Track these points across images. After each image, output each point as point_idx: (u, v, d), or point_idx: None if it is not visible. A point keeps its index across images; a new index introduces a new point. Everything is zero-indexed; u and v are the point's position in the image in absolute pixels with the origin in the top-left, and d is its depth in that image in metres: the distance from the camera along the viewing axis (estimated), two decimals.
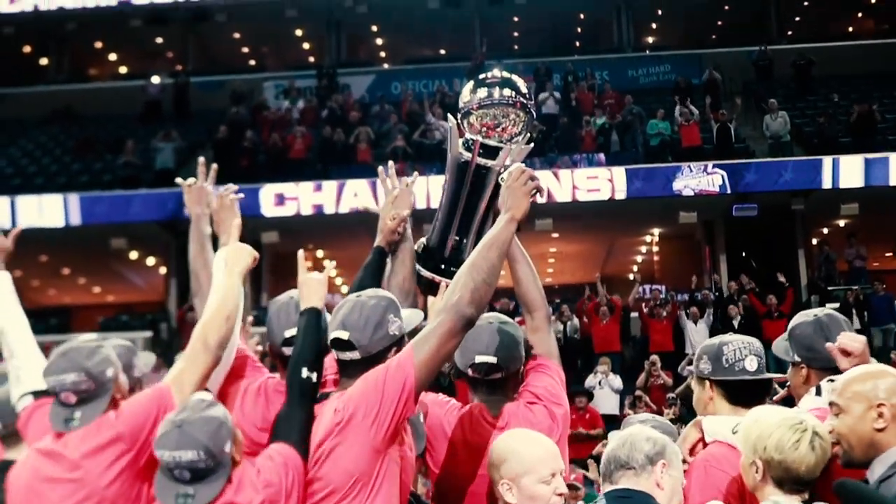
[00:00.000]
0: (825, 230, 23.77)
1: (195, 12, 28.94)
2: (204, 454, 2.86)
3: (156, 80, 27.04)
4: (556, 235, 22.95)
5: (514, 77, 3.93)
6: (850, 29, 31.65)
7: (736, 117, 22.87)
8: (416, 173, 4.44)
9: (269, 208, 20.35)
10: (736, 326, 16.93)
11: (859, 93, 23.89)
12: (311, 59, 31.32)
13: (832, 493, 2.92)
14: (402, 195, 4.07)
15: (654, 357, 15.92)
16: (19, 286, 4.09)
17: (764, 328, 16.46)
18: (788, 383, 3.66)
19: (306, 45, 32.32)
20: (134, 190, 21.54)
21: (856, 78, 25.24)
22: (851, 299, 18.76)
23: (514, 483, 3.09)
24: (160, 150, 22.59)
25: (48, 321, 21.53)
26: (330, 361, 3.40)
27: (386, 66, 31.04)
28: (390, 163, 4.35)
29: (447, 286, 3.35)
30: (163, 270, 24.84)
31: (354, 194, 20.09)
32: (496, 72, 3.96)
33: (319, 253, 24.50)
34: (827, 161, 20.12)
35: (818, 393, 3.39)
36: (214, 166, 4.25)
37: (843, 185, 20.01)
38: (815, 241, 23.32)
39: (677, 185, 20.19)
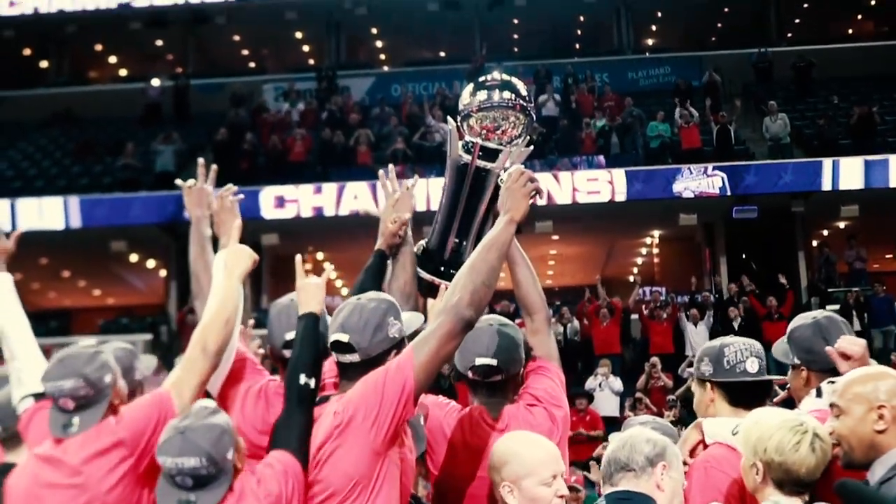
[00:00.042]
0: (825, 232, 23.78)
1: (195, 14, 28.98)
2: (206, 461, 2.86)
3: (156, 82, 27.07)
4: (556, 237, 22.95)
5: (514, 80, 3.93)
6: (850, 31, 31.68)
7: (736, 119, 22.88)
8: (416, 176, 4.45)
9: (269, 210, 20.36)
10: (736, 328, 16.92)
11: (859, 95, 23.90)
12: (311, 61, 31.33)
13: (833, 495, 2.92)
14: (402, 198, 4.07)
15: (655, 359, 15.92)
16: (19, 289, 4.09)
17: (764, 330, 16.46)
18: (789, 385, 3.66)
19: (306, 48, 32.34)
20: (134, 192, 21.56)
21: (856, 80, 25.26)
22: (852, 301, 18.76)
23: (515, 485, 3.09)
24: (160, 153, 22.58)
25: (48, 324, 21.51)
26: (330, 365, 3.40)
27: (386, 68, 31.06)
28: (390, 166, 4.35)
29: (447, 288, 3.35)
30: (163, 273, 24.83)
31: (354, 196, 20.10)
32: (496, 74, 3.96)
33: (319, 255, 24.50)
34: (827, 163, 20.13)
35: (819, 395, 3.39)
36: (214, 167, 4.24)
37: (842, 186, 20.03)
38: (815, 243, 23.32)
39: (677, 187, 20.20)
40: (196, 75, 28.60)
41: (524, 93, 3.88)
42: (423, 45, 31.80)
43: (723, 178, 20.13)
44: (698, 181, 20.14)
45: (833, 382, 3.18)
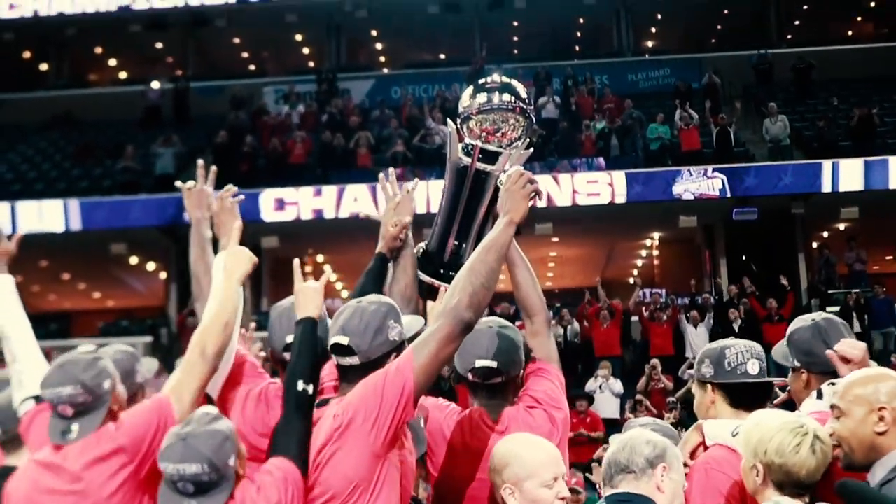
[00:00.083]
0: (825, 234, 23.79)
1: (195, 17, 28.98)
2: (208, 467, 2.86)
3: (155, 85, 27.07)
4: (556, 239, 22.95)
5: (514, 82, 3.93)
6: (850, 33, 31.71)
7: (736, 121, 22.88)
8: (416, 179, 4.44)
9: (269, 213, 20.35)
10: (736, 330, 16.92)
11: (859, 96, 23.90)
12: (311, 63, 31.34)
13: (833, 497, 2.92)
14: (403, 201, 4.07)
15: (655, 361, 15.94)
16: (19, 291, 4.08)
17: (764, 332, 16.47)
18: (789, 388, 3.66)
19: (306, 50, 32.35)
20: (134, 195, 21.57)
21: (855, 81, 25.26)
22: (852, 303, 18.77)
23: (516, 487, 3.09)
24: (160, 156, 22.60)
25: (48, 326, 21.48)
26: (330, 368, 3.40)
27: (386, 70, 31.08)
28: (390, 169, 4.35)
29: (446, 290, 3.35)
30: (163, 275, 24.83)
31: (354, 199, 20.09)
32: (496, 77, 3.96)
33: (319, 258, 24.56)
34: (826, 165, 20.13)
35: (819, 396, 3.39)
36: (213, 168, 4.24)
37: (842, 188, 20.03)
38: (815, 245, 23.32)
39: (677, 188, 20.20)
40: (196, 78, 28.61)
41: (524, 95, 3.88)
42: (423, 47, 31.82)
43: (723, 180, 20.13)
44: (698, 183, 20.14)
45: (833, 384, 3.19)
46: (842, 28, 31.67)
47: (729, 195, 20.25)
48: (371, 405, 3.02)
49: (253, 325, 4.79)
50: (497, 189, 3.41)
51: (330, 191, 20.54)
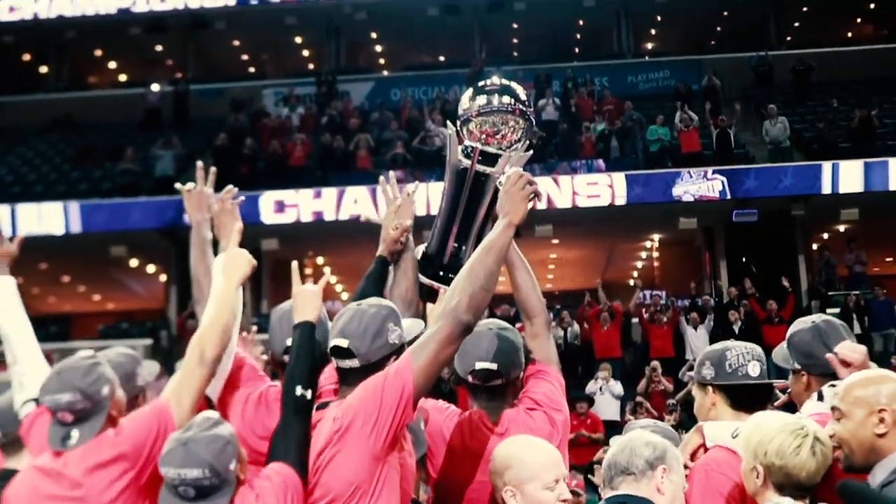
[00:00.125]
0: (825, 235, 23.78)
1: (195, 20, 28.99)
2: (209, 472, 2.86)
3: (155, 87, 27.08)
4: (556, 241, 22.94)
5: (514, 84, 3.92)
6: (850, 34, 31.71)
7: (735, 123, 22.90)
8: (416, 182, 4.44)
9: (268, 215, 20.35)
10: (736, 332, 16.92)
11: (859, 98, 23.89)
12: (311, 66, 31.36)
13: (834, 499, 2.92)
14: (404, 205, 4.06)
15: (655, 363, 15.93)
16: (19, 294, 4.08)
17: (764, 333, 16.47)
18: (790, 390, 3.66)
19: (306, 53, 32.37)
20: (134, 198, 21.57)
21: (855, 83, 25.26)
22: (852, 304, 18.77)
23: (518, 489, 3.09)
24: (160, 158, 22.61)
25: (48, 329, 21.46)
26: (330, 371, 3.40)
27: (385, 72, 31.09)
28: (391, 172, 4.35)
29: (446, 293, 3.35)
30: (163, 278, 24.84)
31: (354, 201, 20.09)
32: (495, 79, 3.96)
33: (319, 260, 24.55)
34: (826, 166, 20.13)
35: (820, 398, 3.39)
36: (213, 170, 4.22)
37: (842, 190, 20.03)
38: (815, 247, 23.31)
39: (677, 190, 20.20)
40: (196, 80, 28.62)
41: (523, 97, 3.88)
42: (423, 49, 31.82)
43: (723, 182, 20.13)
44: (698, 185, 20.14)
45: (834, 386, 3.19)
46: (841, 30, 31.68)
47: (729, 197, 20.25)
48: (371, 408, 3.02)
49: (254, 328, 4.79)
50: (497, 191, 3.41)
51: (330, 193, 20.53)
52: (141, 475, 3.07)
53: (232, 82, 27.95)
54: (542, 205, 19.06)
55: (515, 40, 31.42)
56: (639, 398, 14.82)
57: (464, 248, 3.96)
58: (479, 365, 3.48)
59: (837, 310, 18.19)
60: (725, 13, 30.48)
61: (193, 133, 24.95)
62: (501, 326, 3.59)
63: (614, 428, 13.71)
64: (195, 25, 29.15)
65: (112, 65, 32.64)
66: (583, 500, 9.96)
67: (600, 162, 21.81)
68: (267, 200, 20.33)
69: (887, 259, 26.68)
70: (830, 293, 20.63)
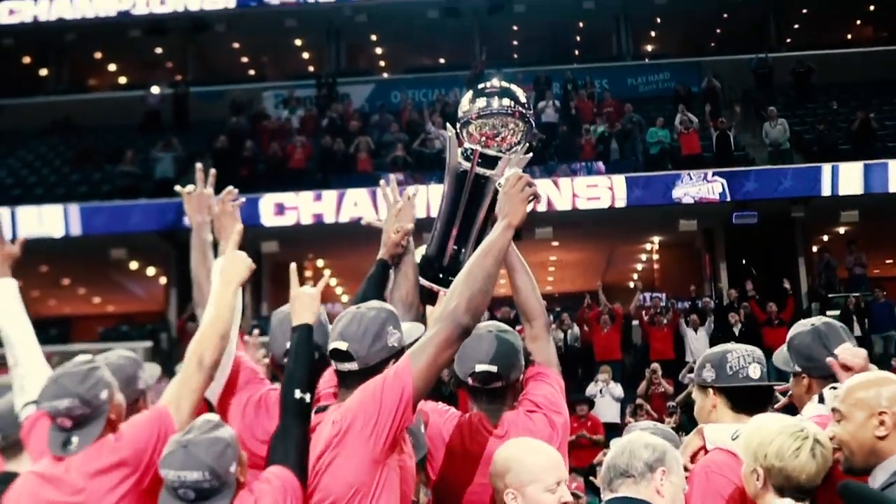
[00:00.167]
0: (825, 237, 23.77)
1: (194, 22, 29.01)
2: (209, 475, 2.86)
3: (155, 90, 27.09)
4: (556, 244, 22.95)
5: (513, 87, 3.93)
6: (849, 36, 31.73)
7: (735, 125, 22.91)
8: (417, 186, 4.45)
9: (268, 218, 20.35)
10: (736, 334, 16.92)
11: (859, 100, 23.91)
12: (311, 68, 31.39)
13: (835, 500, 2.92)
14: (404, 208, 4.06)
15: (655, 365, 15.91)
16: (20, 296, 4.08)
17: (764, 336, 16.46)
18: (790, 392, 3.66)
19: (306, 55, 32.38)
20: (133, 200, 21.56)
21: (855, 85, 25.29)
22: (852, 306, 18.75)
23: (519, 492, 3.08)
24: (160, 160, 22.62)
25: (48, 331, 21.48)
26: (329, 375, 3.40)
27: (385, 75, 31.11)
28: (391, 175, 4.36)
29: (445, 295, 3.35)
30: (163, 280, 24.84)
31: (354, 204, 20.09)
32: (495, 81, 3.96)
33: (319, 262, 24.53)
34: (826, 168, 20.12)
35: (821, 400, 3.40)
36: (213, 171, 4.21)
37: (842, 192, 20.01)
38: (815, 249, 23.30)
39: (677, 192, 20.20)
40: (196, 83, 28.64)
41: (523, 100, 3.88)
42: (423, 51, 31.83)
43: (722, 184, 20.13)
44: (698, 187, 20.14)
45: (835, 388, 3.19)
46: (841, 32, 31.69)
47: (729, 199, 20.25)
48: (370, 411, 3.02)
49: (256, 331, 4.79)
50: (497, 193, 3.41)
51: (330, 195, 20.53)
52: (142, 480, 3.07)
53: (232, 84, 27.95)
54: (542, 207, 19.08)
55: (515, 42, 31.44)
56: (639, 400, 14.80)
57: (463, 250, 3.96)
58: (479, 367, 3.48)
59: (837, 312, 18.18)
60: (725, 15, 30.50)
61: (193, 135, 24.96)
62: (501, 329, 3.59)
63: (614, 430, 13.71)
64: (195, 28, 29.16)
65: (112, 67, 32.66)
66: (583, 503, 9.97)
67: (600, 164, 21.82)
68: (267, 203, 20.33)
69: (887, 261, 26.67)
70: (830, 295, 20.62)
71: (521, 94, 3.89)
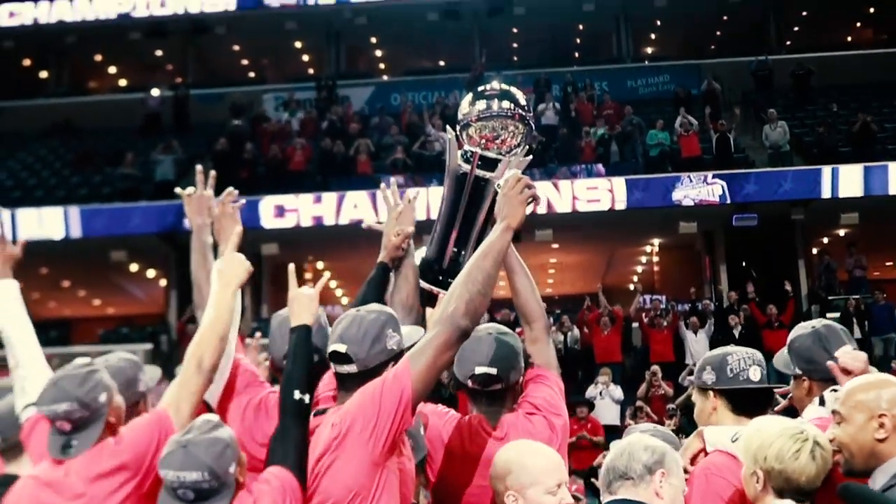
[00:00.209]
0: (825, 240, 23.76)
1: (195, 25, 29.02)
2: (208, 475, 2.86)
3: (155, 92, 27.11)
4: (556, 246, 22.96)
5: (513, 89, 3.93)
6: (849, 39, 31.73)
7: (735, 127, 22.90)
8: (417, 189, 4.45)
9: (268, 220, 20.36)
10: (736, 336, 16.93)
11: (858, 102, 23.91)
12: (311, 71, 31.38)
13: (834, 502, 2.92)
14: (405, 211, 4.06)
15: (655, 367, 15.90)
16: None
17: (764, 338, 16.47)
18: (790, 395, 3.66)
19: (306, 57, 32.39)
20: (134, 202, 21.56)
21: (855, 87, 25.29)
22: (852, 309, 18.75)
23: (520, 494, 3.08)
24: (160, 163, 22.62)
25: (48, 334, 21.46)
26: (329, 378, 3.40)
27: (385, 77, 31.10)
28: (392, 179, 4.36)
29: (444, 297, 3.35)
30: (163, 282, 24.83)
31: (354, 206, 20.09)
32: (495, 84, 3.96)
33: (319, 264, 24.53)
34: (826, 170, 20.11)
35: (821, 403, 3.40)
36: (213, 173, 4.20)
37: (842, 194, 20.01)
38: (815, 251, 23.31)
39: (677, 195, 20.20)
40: (196, 85, 28.65)
41: (523, 102, 3.88)
42: (423, 54, 31.85)
43: (722, 186, 20.13)
44: (698, 189, 20.14)
45: (836, 391, 3.19)
46: (841, 34, 31.69)
47: (729, 201, 20.25)
48: (369, 413, 3.01)
49: (258, 334, 4.79)
50: (496, 195, 3.41)
51: (330, 198, 20.54)
52: (142, 484, 3.07)
53: (232, 87, 27.95)
54: (542, 209, 19.10)
55: (515, 45, 31.45)
56: (639, 403, 14.80)
57: (463, 252, 3.96)
58: (479, 370, 3.48)
59: (837, 314, 18.19)
60: (725, 17, 30.51)
61: (193, 138, 24.96)
62: (501, 331, 3.59)
63: (614, 432, 13.72)
64: (195, 30, 29.18)
65: (112, 70, 32.67)
66: None
67: (600, 166, 21.83)
68: (267, 205, 20.34)
69: (887, 263, 26.66)
70: (830, 297, 20.62)
71: (520, 97, 3.88)
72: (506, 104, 3.82)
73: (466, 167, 3.85)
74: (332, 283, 26.34)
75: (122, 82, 32.59)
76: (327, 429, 3.10)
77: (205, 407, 3.40)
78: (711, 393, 3.59)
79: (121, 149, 23.93)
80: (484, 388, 3.53)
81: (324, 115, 25.13)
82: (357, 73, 30.76)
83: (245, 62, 32.48)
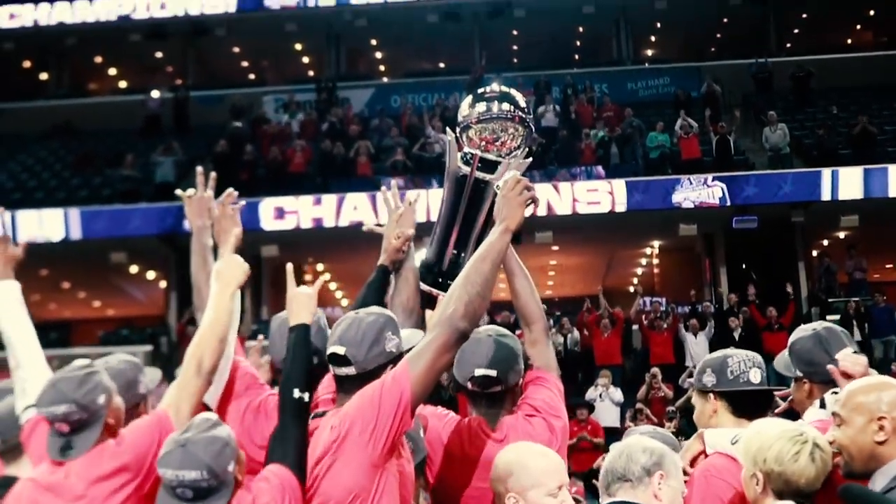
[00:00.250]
0: (825, 242, 23.76)
1: (195, 27, 29.05)
2: (207, 474, 2.85)
3: (155, 94, 27.11)
4: (556, 248, 22.96)
5: (513, 91, 3.92)
6: (849, 41, 31.74)
7: (735, 129, 22.89)
8: (417, 191, 4.45)
9: (268, 222, 20.36)
10: (736, 339, 16.92)
11: (858, 105, 23.93)
12: (311, 72, 31.41)
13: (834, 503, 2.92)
14: (405, 214, 4.06)
15: (655, 370, 15.91)
16: None
17: (764, 340, 16.47)
18: (791, 397, 3.66)
19: (306, 59, 32.41)
20: (134, 204, 21.58)
21: (855, 90, 25.32)
22: (852, 311, 18.74)
23: (521, 496, 3.07)
24: (160, 164, 22.61)
25: (48, 335, 21.43)
26: (328, 380, 3.40)
27: (385, 79, 31.12)
28: (392, 181, 4.36)
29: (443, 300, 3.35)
30: (163, 284, 24.83)
31: (354, 208, 20.11)
32: (495, 86, 3.95)
33: (319, 266, 24.53)
34: (826, 173, 20.12)
35: (822, 405, 3.40)
36: (213, 174, 4.19)
37: (842, 196, 20.01)
38: (815, 253, 23.31)
39: (677, 197, 20.20)
40: (196, 87, 28.66)
41: (523, 104, 3.87)
42: (423, 56, 31.87)
43: (722, 189, 20.13)
44: (698, 191, 20.14)
45: (836, 393, 3.19)
46: (841, 36, 31.70)
47: (729, 204, 20.26)
48: (368, 416, 3.01)
49: (260, 336, 4.79)
50: (496, 197, 3.40)
51: (330, 199, 20.55)
52: (142, 486, 3.07)
53: (232, 89, 27.96)
54: (542, 211, 19.10)
55: (515, 47, 31.47)
56: (639, 405, 14.80)
57: (463, 254, 3.95)
58: (479, 372, 3.48)
59: (837, 316, 18.18)
60: (725, 20, 30.52)
61: (193, 139, 24.96)
62: (500, 333, 3.59)
63: (614, 435, 13.73)
64: (195, 32, 29.21)
65: (112, 71, 32.71)
66: None
67: (600, 169, 21.83)
68: (267, 207, 20.35)
69: (887, 265, 26.66)
70: (830, 300, 20.61)
71: (520, 99, 3.88)
72: (506, 106, 3.82)
73: (466, 169, 3.85)
74: (332, 286, 26.39)
75: (123, 84, 32.62)
76: (326, 431, 3.09)
77: (204, 409, 3.39)
78: (711, 395, 3.60)
79: (121, 150, 23.94)
80: (483, 390, 3.52)
81: (324, 116, 25.14)
82: (357, 74, 30.78)
83: (245, 64, 32.50)
